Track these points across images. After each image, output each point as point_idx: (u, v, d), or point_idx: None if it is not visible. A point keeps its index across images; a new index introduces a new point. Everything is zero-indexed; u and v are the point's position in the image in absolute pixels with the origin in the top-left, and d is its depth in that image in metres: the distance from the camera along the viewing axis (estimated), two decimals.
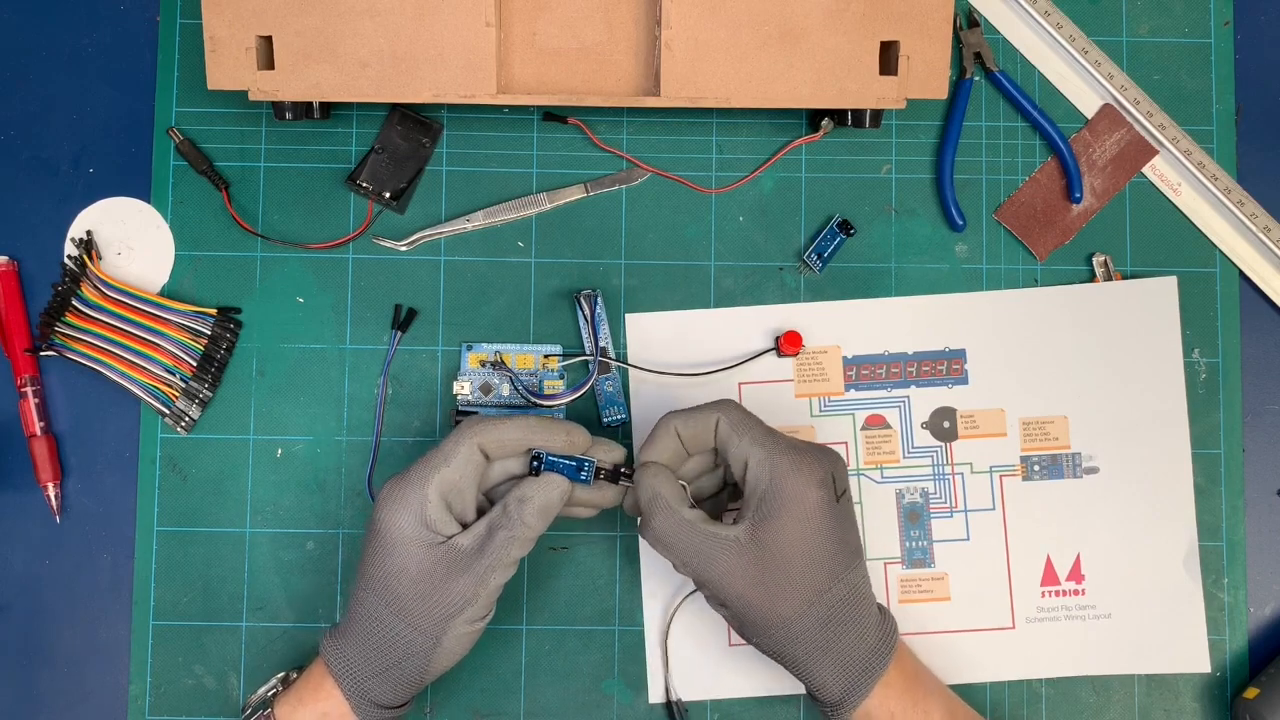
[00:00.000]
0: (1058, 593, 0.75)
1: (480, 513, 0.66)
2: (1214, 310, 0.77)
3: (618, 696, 0.74)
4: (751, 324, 0.76)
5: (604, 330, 0.75)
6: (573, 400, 0.74)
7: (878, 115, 0.73)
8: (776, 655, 0.66)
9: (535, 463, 0.66)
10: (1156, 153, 0.77)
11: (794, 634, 0.64)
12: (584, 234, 0.76)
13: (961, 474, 0.75)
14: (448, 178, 0.76)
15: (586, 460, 0.66)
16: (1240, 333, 0.77)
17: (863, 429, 0.76)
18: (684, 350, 0.75)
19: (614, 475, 0.67)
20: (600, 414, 0.75)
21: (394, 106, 0.75)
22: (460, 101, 0.70)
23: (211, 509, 0.75)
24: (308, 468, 0.75)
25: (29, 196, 0.76)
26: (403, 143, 0.75)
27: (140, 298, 0.74)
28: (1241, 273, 0.77)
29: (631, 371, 0.75)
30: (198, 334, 0.74)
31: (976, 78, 0.77)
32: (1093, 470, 0.76)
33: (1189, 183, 0.77)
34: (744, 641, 0.67)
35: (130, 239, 0.75)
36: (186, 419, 0.74)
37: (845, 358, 0.76)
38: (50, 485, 0.74)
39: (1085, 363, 0.76)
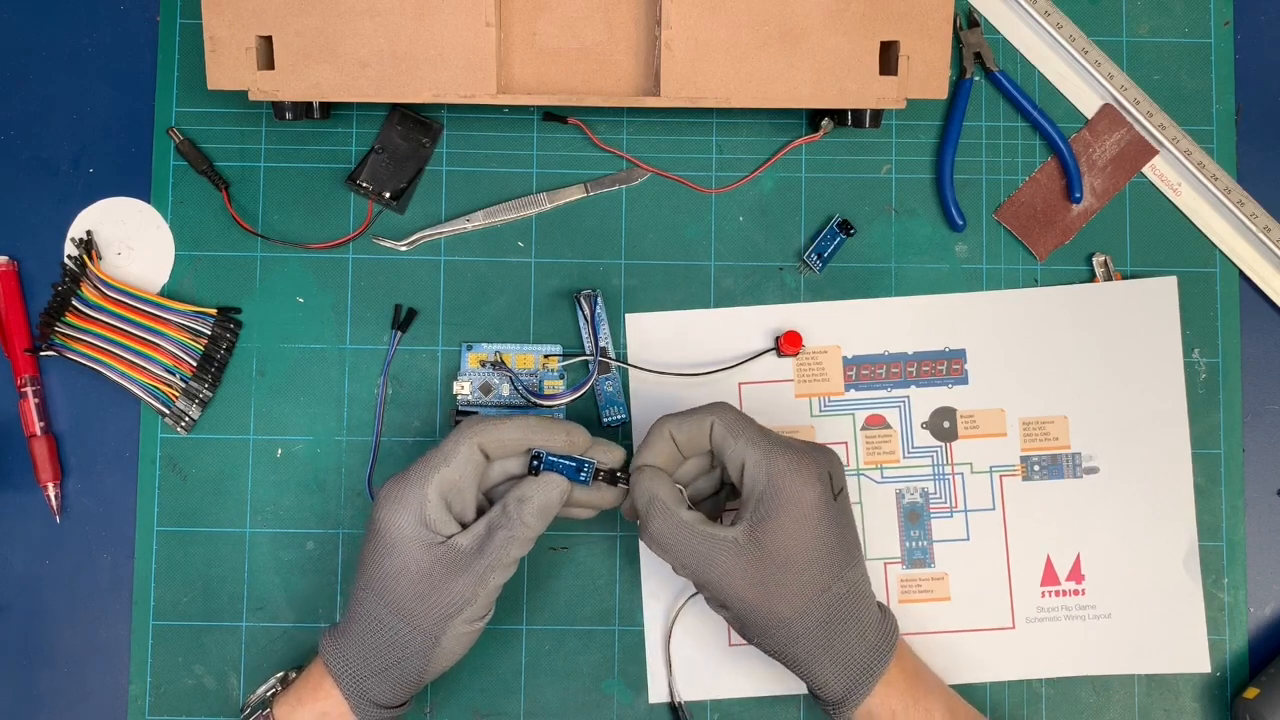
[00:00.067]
0: (1058, 593, 0.75)
1: (480, 513, 0.66)
2: (1214, 310, 0.77)
3: (618, 696, 0.74)
4: (751, 324, 0.76)
5: (604, 330, 0.75)
6: (573, 400, 0.74)
7: (878, 115, 0.73)
8: (778, 655, 0.66)
9: (535, 463, 0.66)
10: (1156, 153, 0.77)
11: (795, 633, 0.64)
12: (584, 234, 0.76)
13: (961, 474, 0.75)
14: (448, 178, 0.76)
15: (586, 461, 0.66)
16: (1240, 333, 0.77)
17: (863, 429, 0.76)
18: (684, 350, 0.75)
19: (612, 478, 0.67)
20: (600, 414, 0.75)
21: (394, 106, 0.75)
22: (460, 101, 0.70)
23: (211, 509, 0.75)
24: (308, 468, 0.75)
25: (29, 196, 0.76)
26: (403, 143, 0.75)
27: (140, 298, 0.74)
28: (1241, 273, 0.77)
29: (631, 371, 0.75)
30: (198, 334, 0.74)
31: (976, 78, 0.77)
32: (1093, 470, 0.75)
33: (1189, 183, 0.77)
34: (744, 641, 0.67)
35: (130, 239, 0.75)
36: (186, 419, 0.74)
37: (845, 358, 0.76)
38: (50, 485, 0.74)
39: (1085, 363, 0.76)
